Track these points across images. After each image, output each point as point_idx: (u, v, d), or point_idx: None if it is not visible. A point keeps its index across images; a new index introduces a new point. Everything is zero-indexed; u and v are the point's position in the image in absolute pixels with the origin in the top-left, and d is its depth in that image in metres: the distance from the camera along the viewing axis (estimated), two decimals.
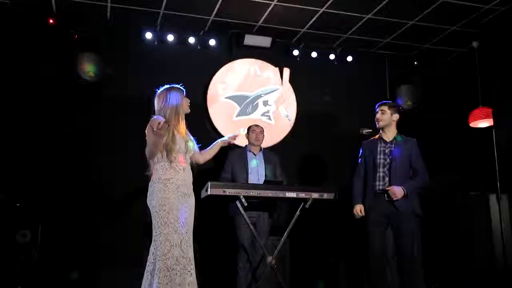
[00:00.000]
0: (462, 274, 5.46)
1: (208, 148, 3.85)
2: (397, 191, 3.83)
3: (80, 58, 5.42)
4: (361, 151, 4.23)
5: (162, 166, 3.37)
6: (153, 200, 3.33)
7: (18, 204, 4.72)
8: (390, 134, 4.08)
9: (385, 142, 4.07)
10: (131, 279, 4.78)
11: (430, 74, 6.90)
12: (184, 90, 3.58)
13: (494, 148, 5.90)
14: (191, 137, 3.60)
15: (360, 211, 4.03)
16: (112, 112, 5.62)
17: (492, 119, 6.06)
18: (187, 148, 3.44)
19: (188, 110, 3.57)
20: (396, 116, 4.10)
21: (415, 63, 6.84)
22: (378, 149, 4.06)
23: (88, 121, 5.55)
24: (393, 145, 4.02)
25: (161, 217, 3.28)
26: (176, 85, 3.57)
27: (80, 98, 5.58)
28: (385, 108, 4.09)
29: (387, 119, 4.05)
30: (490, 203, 5.50)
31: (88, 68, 5.40)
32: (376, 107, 4.19)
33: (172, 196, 3.30)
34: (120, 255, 5.28)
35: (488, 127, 6.19)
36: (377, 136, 4.19)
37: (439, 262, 5.47)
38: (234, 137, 4.04)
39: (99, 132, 5.55)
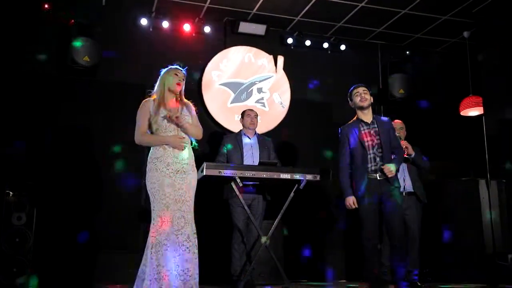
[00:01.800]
0: (452, 258, 5.54)
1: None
2: (393, 168, 3.89)
3: (75, 44, 5.43)
4: (342, 138, 4.15)
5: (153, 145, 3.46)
6: (146, 179, 3.41)
7: (11, 193, 4.72)
8: (369, 115, 4.10)
9: (366, 124, 4.07)
10: (127, 263, 4.92)
11: (422, 64, 6.99)
12: (176, 66, 3.58)
13: (484, 135, 6.01)
14: (193, 115, 3.60)
15: (353, 203, 4.01)
16: (107, 97, 5.65)
17: (482, 107, 6.17)
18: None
19: (175, 88, 3.51)
20: (371, 99, 4.15)
21: (407, 52, 6.93)
22: (362, 131, 4.05)
23: (83, 106, 5.57)
24: (376, 126, 4.06)
25: (153, 195, 3.35)
26: (172, 66, 3.61)
27: (75, 83, 5.60)
28: (367, 89, 4.13)
29: (370, 99, 4.09)
30: (480, 189, 5.59)
31: (84, 53, 5.42)
32: (354, 88, 4.15)
33: (161, 174, 3.35)
34: (117, 239, 5.32)
35: (478, 115, 6.29)
36: (354, 119, 4.16)
37: (430, 247, 5.54)
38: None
39: (95, 116, 5.58)
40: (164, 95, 3.51)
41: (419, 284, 4.88)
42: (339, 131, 4.18)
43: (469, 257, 5.45)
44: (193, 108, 3.65)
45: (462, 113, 6.42)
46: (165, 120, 3.43)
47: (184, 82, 3.59)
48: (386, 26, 6.50)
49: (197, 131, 3.59)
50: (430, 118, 6.67)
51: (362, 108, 4.08)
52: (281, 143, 5.87)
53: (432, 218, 5.60)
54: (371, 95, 4.17)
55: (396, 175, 3.98)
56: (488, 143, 5.97)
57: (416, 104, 6.75)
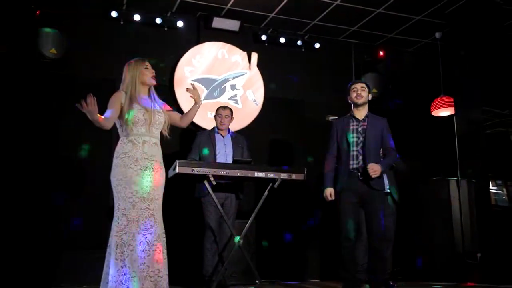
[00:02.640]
0: (423, 257, 5.59)
1: (187, 113, 3.67)
2: (377, 168, 3.82)
3: (41, 35, 5.22)
4: (332, 130, 4.17)
5: (121, 140, 3.31)
6: (112, 175, 3.25)
7: None
8: (363, 112, 4.08)
9: (357, 120, 4.06)
10: (93, 261, 4.75)
11: (394, 63, 7.04)
12: (144, 60, 3.43)
13: (455, 136, 6.08)
14: (165, 109, 3.47)
15: (330, 195, 4.02)
16: (75, 92, 5.42)
17: (453, 107, 6.24)
18: (151, 120, 3.31)
19: (151, 81, 3.40)
20: (369, 96, 4.15)
21: (380, 53, 6.96)
22: (351, 127, 4.05)
23: (50, 99, 5.36)
24: (366, 123, 4.03)
25: (119, 192, 3.20)
26: (139, 58, 3.47)
27: (42, 76, 5.38)
28: (364, 86, 4.12)
29: (366, 96, 4.08)
30: (450, 188, 5.65)
31: (51, 46, 5.21)
32: (353, 84, 4.16)
33: (129, 170, 3.20)
34: (83, 237, 5.15)
35: (449, 115, 6.37)
36: (348, 114, 4.18)
37: (401, 246, 5.57)
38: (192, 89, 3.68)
39: (62, 111, 5.36)
40: (137, 88, 3.35)
41: (391, 283, 4.91)
42: (332, 124, 4.22)
43: (439, 256, 5.51)
44: (164, 104, 3.53)
45: (433, 113, 6.49)
46: (139, 115, 3.29)
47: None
48: (360, 25, 6.50)
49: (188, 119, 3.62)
50: (402, 118, 6.70)
51: (356, 105, 4.08)
52: (254, 141, 5.79)
53: (402, 217, 5.64)
54: (370, 92, 4.16)
55: (381, 177, 3.94)
56: (459, 143, 6.05)
57: (388, 104, 6.78)
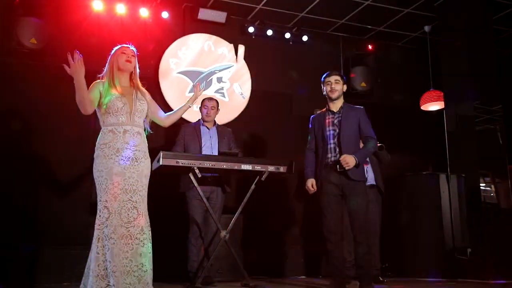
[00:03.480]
0: (413, 253, 5.52)
1: (175, 111, 3.61)
2: (349, 160, 3.74)
3: (21, 24, 5.04)
4: (310, 125, 4.13)
5: (102, 130, 3.19)
6: (94, 167, 3.13)
7: None
8: (338, 104, 3.99)
9: (333, 113, 3.98)
10: (76, 257, 4.61)
11: (383, 57, 6.98)
12: (121, 46, 3.31)
13: (445, 130, 6.03)
14: (148, 99, 3.35)
15: (312, 186, 3.95)
16: (56, 83, 5.26)
17: (443, 102, 6.18)
18: (131, 108, 3.19)
19: (126, 66, 3.25)
20: (345, 87, 4.05)
21: (369, 46, 6.90)
22: (327, 120, 3.97)
23: (30, 91, 5.19)
24: (341, 115, 3.95)
25: (100, 184, 3.07)
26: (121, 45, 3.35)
27: (21, 66, 5.21)
28: (339, 78, 4.00)
29: (340, 89, 3.98)
30: (440, 183, 5.58)
31: (31, 35, 5.04)
32: (326, 76, 4.03)
33: (110, 161, 3.08)
34: (65, 233, 5.00)
35: (439, 110, 6.32)
36: (324, 109, 4.08)
37: (390, 242, 5.51)
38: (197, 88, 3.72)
39: (43, 103, 5.22)
40: (114, 75, 3.23)
41: (380, 279, 4.85)
42: (311, 118, 4.16)
43: (429, 251, 5.46)
44: (147, 93, 3.39)
45: (422, 107, 6.45)
46: (118, 102, 3.15)
47: (136, 60, 3.31)
48: (349, 17, 6.41)
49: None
50: (391, 111, 6.65)
51: (330, 99, 3.98)
52: (241, 134, 5.68)
53: (392, 212, 5.58)
54: (345, 83, 4.06)
55: (361, 167, 3.86)
56: (448, 137, 6.01)
57: (377, 98, 6.71)
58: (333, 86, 3.96)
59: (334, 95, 3.97)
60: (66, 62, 3.10)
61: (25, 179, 5.02)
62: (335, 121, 3.94)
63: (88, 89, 3.13)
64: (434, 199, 5.55)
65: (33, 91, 5.21)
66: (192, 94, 3.77)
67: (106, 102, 3.14)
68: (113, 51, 3.32)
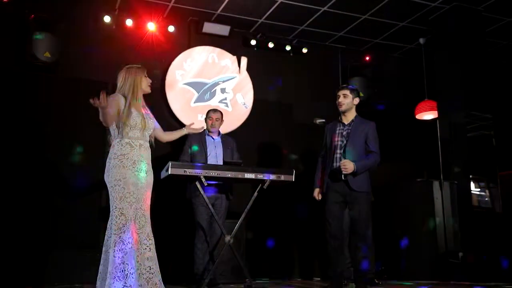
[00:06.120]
0: (407, 257, 5.73)
1: (173, 132, 3.95)
2: (348, 165, 3.94)
3: (36, 38, 5.31)
4: (324, 134, 4.38)
5: (118, 142, 3.42)
6: (109, 176, 3.37)
7: None
8: (349, 117, 4.20)
9: (343, 124, 4.20)
10: (86, 262, 4.84)
11: (380, 68, 7.20)
12: (144, 69, 3.59)
13: (438, 138, 6.25)
14: (151, 116, 3.63)
15: (317, 195, 4.27)
16: (68, 95, 5.53)
17: (436, 111, 6.42)
18: (145, 125, 3.47)
19: (148, 89, 3.57)
20: (356, 100, 4.21)
21: (366, 57, 7.13)
22: (337, 131, 4.20)
23: (44, 103, 5.44)
24: (350, 128, 4.17)
25: (117, 192, 3.32)
26: (137, 64, 3.61)
27: (36, 79, 5.46)
28: (347, 92, 4.18)
29: (349, 103, 4.16)
30: (434, 189, 5.81)
31: (45, 49, 5.30)
32: (337, 90, 4.25)
33: (128, 171, 3.34)
34: (75, 238, 5.22)
35: (433, 119, 6.54)
36: (338, 118, 4.30)
37: (385, 245, 5.72)
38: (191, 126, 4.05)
39: (57, 114, 5.46)
40: (138, 95, 3.49)
41: (376, 281, 5.05)
42: (326, 127, 4.42)
43: (422, 255, 5.64)
44: (148, 110, 3.68)
45: (418, 116, 6.65)
46: (137, 119, 3.41)
47: None
48: (347, 30, 6.67)
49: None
50: (387, 120, 6.83)
51: (340, 111, 4.23)
52: (243, 143, 5.91)
53: (386, 218, 5.80)
54: (358, 94, 4.24)
55: (364, 179, 4.07)
56: (442, 145, 6.22)
57: (374, 107, 6.93)
58: (340, 100, 4.18)
59: (341, 108, 4.19)
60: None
61: (38, 186, 5.23)
62: (344, 132, 4.16)
63: (109, 102, 3.29)
64: (427, 205, 5.76)
65: (47, 101, 5.45)
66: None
67: (127, 117, 3.38)
68: (133, 69, 3.51)
